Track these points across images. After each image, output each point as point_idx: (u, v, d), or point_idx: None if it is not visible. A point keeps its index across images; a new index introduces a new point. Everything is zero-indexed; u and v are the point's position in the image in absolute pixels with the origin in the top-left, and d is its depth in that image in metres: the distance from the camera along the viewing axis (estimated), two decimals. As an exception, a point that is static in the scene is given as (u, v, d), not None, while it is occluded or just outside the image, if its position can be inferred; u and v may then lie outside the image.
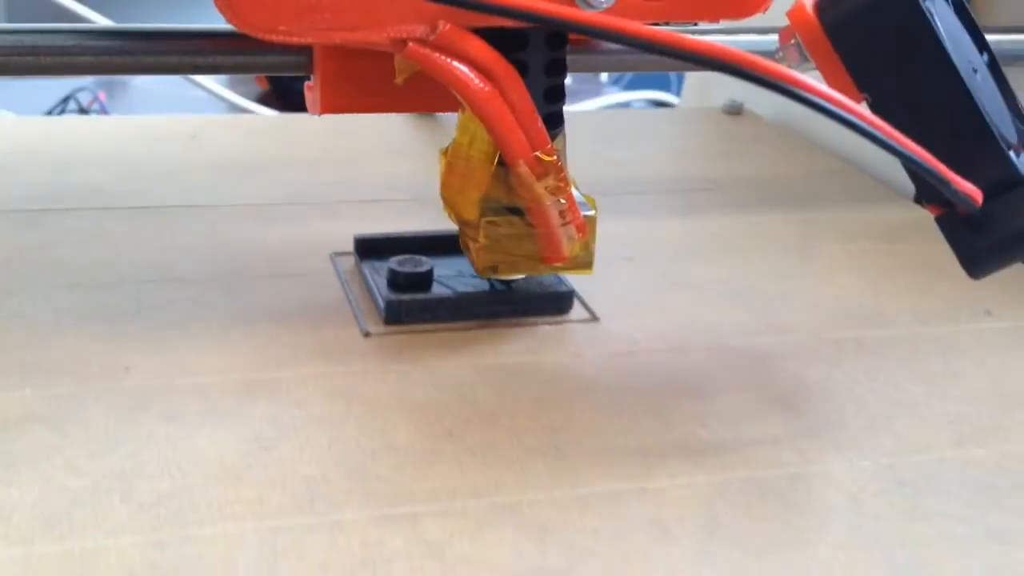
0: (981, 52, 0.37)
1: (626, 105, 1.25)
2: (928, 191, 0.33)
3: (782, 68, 0.29)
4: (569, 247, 0.40)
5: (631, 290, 0.46)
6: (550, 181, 0.38)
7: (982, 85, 0.35)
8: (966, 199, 0.32)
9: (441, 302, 0.42)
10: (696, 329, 0.43)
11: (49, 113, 1.44)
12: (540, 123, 0.37)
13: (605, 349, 0.41)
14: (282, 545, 0.29)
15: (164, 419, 0.35)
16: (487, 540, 0.30)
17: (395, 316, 0.42)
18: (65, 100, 1.48)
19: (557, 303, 0.43)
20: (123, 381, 0.37)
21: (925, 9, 0.32)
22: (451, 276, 0.44)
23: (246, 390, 0.37)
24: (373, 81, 0.40)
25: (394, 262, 0.43)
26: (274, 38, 0.35)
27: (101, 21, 0.99)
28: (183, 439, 0.34)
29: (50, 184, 0.54)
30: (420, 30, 0.36)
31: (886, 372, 0.41)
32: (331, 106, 0.40)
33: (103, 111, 1.52)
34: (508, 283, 0.43)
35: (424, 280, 0.43)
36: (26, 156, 0.58)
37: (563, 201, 0.39)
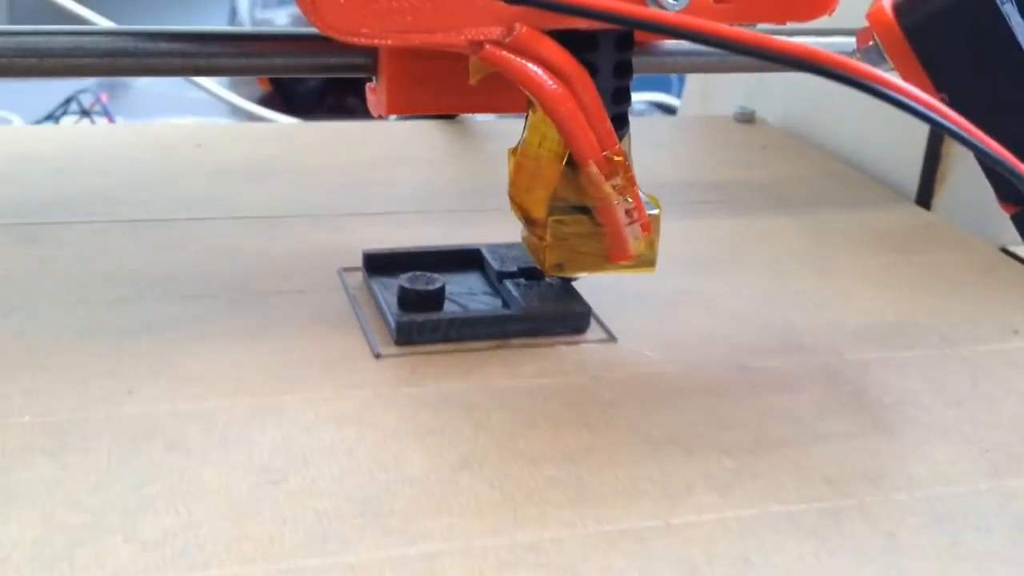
0: None
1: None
2: (1005, 189, 0.34)
3: (870, 69, 0.29)
4: (634, 245, 0.40)
5: (647, 307, 0.45)
6: (618, 180, 0.38)
7: None
8: None
9: (453, 322, 0.41)
10: (715, 349, 0.42)
11: (51, 114, 1.43)
12: (609, 123, 0.38)
13: (623, 371, 0.40)
14: (293, 586, 0.28)
15: (169, 448, 0.33)
16: (508, 581, 0.29)
17: (406, 337, 0.40)
18: (67, 102, 1.47)
19: (574, 323, 0.42)
20: (126, 406, 0.36)
21: (1003, 12, 0.33)
22: (463, 293, 0.43)
23: (253, 416, 0.35)
24: (437, 81, 0.40)
25: (404, 279, 0.42)
26: (355, 40, 0.36)
27: (103, 23, 0.97)
28: (188, 470, 0.32)
29: (50, 194, 0.53)
30: (497, 32, 0.36)
31: (914, 395, 0.39)
32: (396, 106, 0.41)
33: (105, 112, 1.51)
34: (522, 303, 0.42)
35: (436, 298, 0.42)
36: (26, 165, 0.57)
37: (630, 200, 0.39)
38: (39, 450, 0.33)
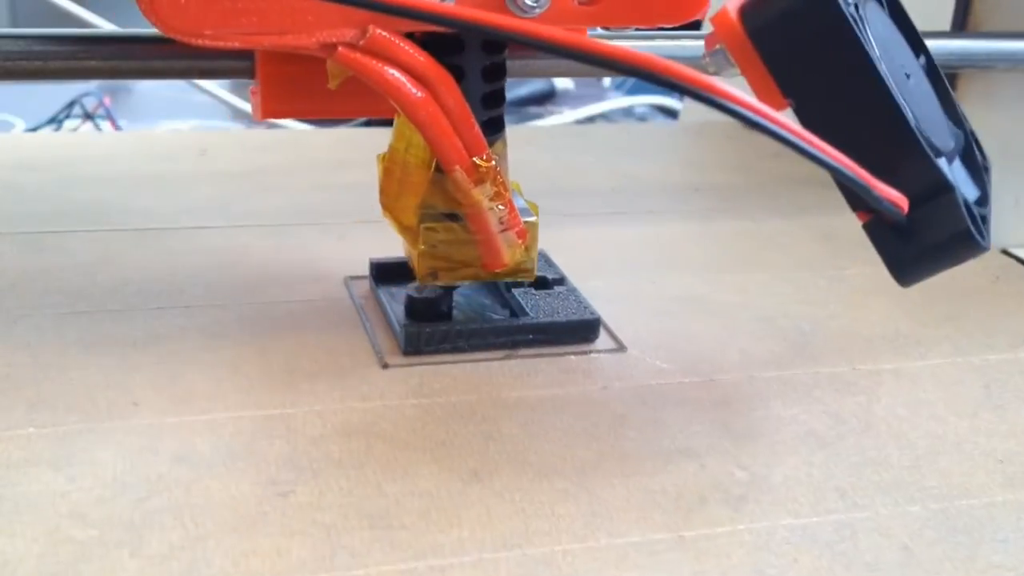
0: (917, 55, 0.36)
1: (629, 110, 1.24)
2: (853, 198, 0.33)
3: (702, 75, 0.28)
4: (510, 253, 0.39)
5: (657, 316, 0.44)
6: (488, 187, 0.37)
7: (914, 90, 0.34)
8: (890, 206, 0.31)
9: (461, 332, 0.40)
10: (726, 359, 0.42)
11: (54, 118, 1.43)
12: (477, 128, 0.36)
13: (634, 381, 0.39)
14: (302, 601, 0.28)
15: (175, 460, 0.33)
16: (519, 595, 0.28)
17: (414, 347, 0.40)
18: (70, 105, 1.47)
19: (583, 332, 0.42)
20: (132, 418, 0.35)
21: (848, 15, 0.31)
22: (471, 303, 0.43)
23: (260, 428, 0.35)
24: (313, 86, 0.39)
25: (412, 288, 0.41)
26: (198, 42, 0.34)
27: (106, 26, 0.97)
28: (195, 483, 0.32)
29: (54, 203, 0.53)
30: (349, 34, 0.35)
31: (927, 406, 0.39)
32: (271, 110, 0.40)
33: (108, 116, 1.51)
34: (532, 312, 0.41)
35: (443, 307, 0.41)
36: (29, 174, 0.56)
37: (502, 207, 0.38)
38: (44, 462, 0.33)
